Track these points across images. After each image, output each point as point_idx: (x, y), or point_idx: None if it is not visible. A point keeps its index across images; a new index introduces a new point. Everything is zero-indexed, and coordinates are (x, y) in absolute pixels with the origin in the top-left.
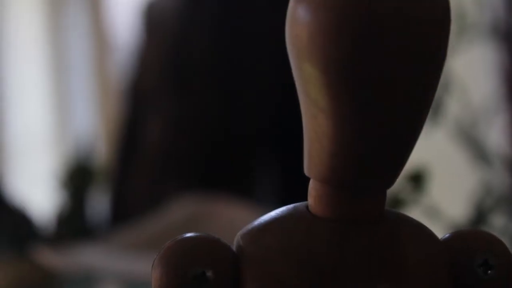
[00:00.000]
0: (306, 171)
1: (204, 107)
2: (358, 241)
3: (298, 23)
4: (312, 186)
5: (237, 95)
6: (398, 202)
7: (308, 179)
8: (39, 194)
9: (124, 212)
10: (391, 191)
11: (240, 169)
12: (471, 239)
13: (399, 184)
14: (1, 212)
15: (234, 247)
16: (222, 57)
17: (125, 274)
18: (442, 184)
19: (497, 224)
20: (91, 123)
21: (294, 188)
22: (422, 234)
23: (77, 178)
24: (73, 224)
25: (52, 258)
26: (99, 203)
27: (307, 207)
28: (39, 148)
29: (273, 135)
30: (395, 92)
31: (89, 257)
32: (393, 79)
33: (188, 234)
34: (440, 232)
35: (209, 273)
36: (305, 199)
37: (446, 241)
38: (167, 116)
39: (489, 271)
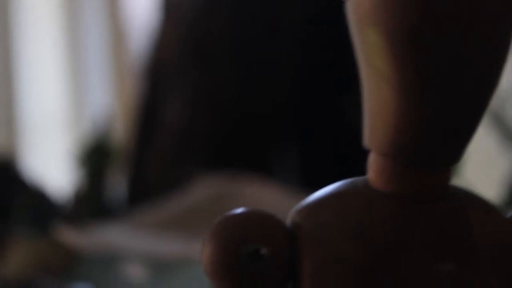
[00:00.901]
0: (367, 143)
1: (223, 86)
2: (422, 218)
3: None
4: (373, 159)
5: (257, 73)
6: None
7: (328, 159)
8: (55, 174)
9: (142, 192)
10: None
11: (259, 148)
12: None
13: None
14: (20, 191)
15: (288, 223)
16: (242, 36)
17: (148, 254)
18: (475, 166)
19: None
20: (107, 103)
21: (314, 167)
22: (491, 213)
23: (95, 157)
24: (91, 204)
25: (74, 237)
26: (116, 183)
27: (366, 181)
28: (55, 128)
29: (293, 113)
30: (463, 64)
31: (111, 236)
32: (461, 49)
33: (241, 209)
34: None
35: (264, 250)
36: (326, 177)
37: None
38: (186, 95)
39: None
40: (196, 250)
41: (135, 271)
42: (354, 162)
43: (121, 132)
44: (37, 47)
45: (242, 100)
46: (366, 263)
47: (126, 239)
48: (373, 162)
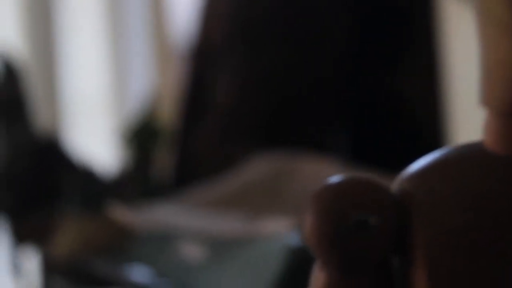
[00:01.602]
0: (483, 103)
1: (273, 63)
2: None
3: None
4: (490, 120)
5: (308, 49)
6: None
7: (380, 133)
8: (99, 154)
9: (190, 171)
10: None
11: (310, 125)
12: None
13: None
14: (68, 170)
15: (395, 191)
16: (290, 12)
17: (206, 233)
18: None
19: None
20: (150, 83)
21: (366, 142)
22: None
23: (142, 136)
24: (138, 183)
25: (127, 216)
26: (164, 162)
27: (482, 145)
28: (98, 109)
29: (344, 88)
30: None
31: (165, 215)
32: None
33: (345, 176)
34: None
35: (371, 219)
36: (378, 151)
37: None
38: (236, 74)
39: None
40: (256, 229)
41: (192, 251)
42: (405, 137)
43: (165, 112)
44: (79, 26)
45: (292, 77)
46: (483, 235)
47: (181, 218)
48: (490, 123)
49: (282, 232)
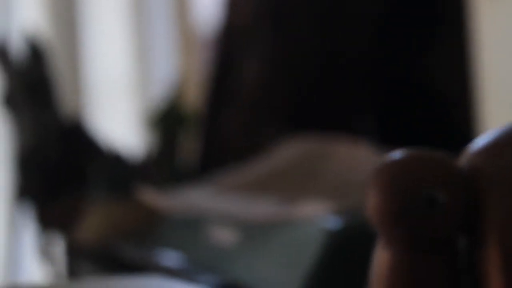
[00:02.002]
0: None
1: (303, 46)
2: None
3: None
4: None
5: (336, 33)
6: None
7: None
8: (125, 138)
9: (217, 155)
10: None
11: (339, 109)
12: None
13: None
14: (94, 154)
15: (463, 167)
16: None
17: (238, 217)
18: None
19: None
20: (174, 67)
21: (394, 126)
22: None
23: (168, 121)
24: (165, 167)
25: (157, 200)
26: (190, 147)
27: None
28: (122, 93)
29: (373, 73)
30: None
31: (195, 199)
32: None
33: (409, 151)
34: None
35: (440, 196)
36: (406, 135)
37: None
38: (264, 57)
39: None
40: (291, 212)
41: (223, 235)
42: (434, 121)
43: (190, 96)
44: (103, 11)
45: (321, 60)
46: None
47: (212, 202)
48: None
49: (319, 215)
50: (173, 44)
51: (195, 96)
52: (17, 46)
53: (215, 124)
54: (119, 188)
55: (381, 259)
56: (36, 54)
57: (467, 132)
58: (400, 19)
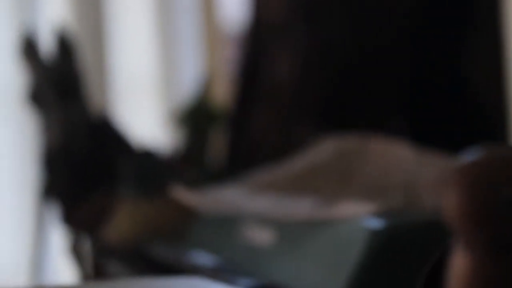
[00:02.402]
0: None
1: (335, 43)
2: None
3: None
4: None
5: (369, 28)
6: None
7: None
8: (151, 135)
9: (247, 154)
10: None
11: (372, 107)
12: None
13: None
14: (125, 152)
15: None
16: None
17: (271, 216)
18: None
19: None
20: (200, 63)
21: (427, 126)
22: None
23: (197, 118)
24: (196, 165)
25: (190, 198)
26: (219, 145)
27: None
28: (149, 89)
29: (406, 70)
30: None
31: (229, 198)
32: None
33: (489, 151)
34: None
35: None
36: (438, 136)
37: None
38: (296, 54)
39: None
40: (330, 212)
41: (260, 235)
42: (468, 121)
43: (217, 93)
44: (129, 7)
45: (354, 57)
46: None
47: (247, 201)
48: None
49: (360, 215)
50: (199, 40)
51: (222, 94)
52: (45, 41)
53: (245, 122)
54: (149, 186)
55: (460, 262)
56: (65, 49)
57: (501, 133)
58: (435, 18)
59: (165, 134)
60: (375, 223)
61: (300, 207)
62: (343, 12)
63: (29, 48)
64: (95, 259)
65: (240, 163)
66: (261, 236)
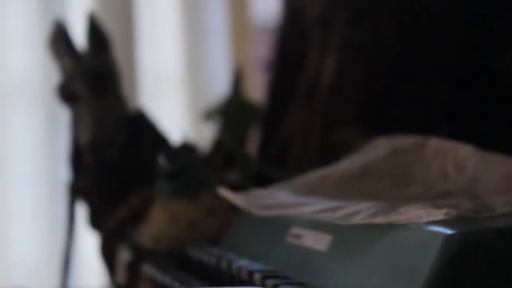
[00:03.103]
0: None
1: (378, 41)
2: None
3: None
4: None
5: (415, 26)
6: None
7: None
8: (180, 132)
9: (283, 153)
10: None
11: (416, 108)
12: None
13: None
14: (163, 149)
15: None
16: None
17: (325, 219)
18: None
19: None
20: (229, 59)
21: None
22: None
23: (234, 113)
24: (242, 163)
25: (237, 200)
26: (255, 144)
27: None
28: (177, 85)
29: (452, 71)
30: None
31: (278, 199)
32: None
33: None
34: None
35: None
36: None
37: None
38: (336, 51)
39: None
40: (391, 217)
41: (314, 239)
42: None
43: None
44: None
45: (397, 56)
46: None
47: (299, 203)
48: None
49: (429, 219)
50: (228, 33)
51: (252, 88)
52: (77, 32)
53: (281, 120)
54: (190, 184)
55: None
56: (99, 40)
57: None
58: (483, 19)
59: (195, 130)
60: (448, 229)
61: (359, 211)
62: (388, 8)
63: (60, 40)
64: (130, 261)
65: (275, 162)
66: (315, 240)
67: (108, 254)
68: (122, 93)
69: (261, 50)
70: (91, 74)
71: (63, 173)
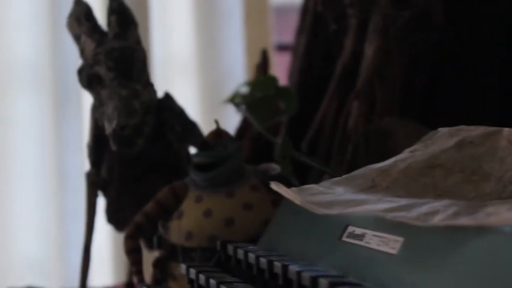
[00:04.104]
0: None
1: (427, 22)
2: None
3: None
4: None
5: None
6: None
7: None
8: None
9: (317, 142)
10: None
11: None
12: None
13: None
14: (194, 137)
15: None
16: None
17: (392, 220)
18: None
19: None
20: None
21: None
22: None
23: (266, 102)
24: (284, 155)
25: (292, 196)
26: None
27: None
28: (188, 72)
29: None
30: None
31: (334, 197)
32: None
33: None
34: None
35: None
36: None
37: None
38: (379, 32)
39: None
40: (477, 219)
41: (374, 240)
42: None
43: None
44: None
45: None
46: None
47: (356, 200)
48: None
49: None
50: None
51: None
52: (101, 13)
53: (310, 108)
54: (226, 177)
55: None
56: (124, 20)
57: None
58: None
59: (208, 116)
60: None
61: (436, 211)
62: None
63: (82, 19)
64: (158, 259)
65: (307, 151)
66: (383, 243)
67: (133, 251)
68: (150, 77)
69: (282, 33)
70: (118, 57)
71: (70, 162)
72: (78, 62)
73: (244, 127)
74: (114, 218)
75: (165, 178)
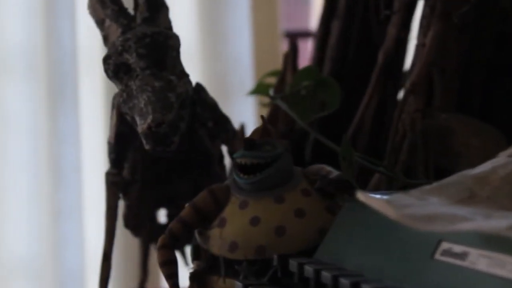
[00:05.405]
0: None
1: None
2: None
3: None
4: None
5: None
6: None
7: None
8: None
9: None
10: None
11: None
12: None
13: None
14: (232, 134)
15: None
16: None
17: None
18: None
19: None
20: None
21: None
22: None
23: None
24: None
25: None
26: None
27: None
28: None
29: None
30: None
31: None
32: None
33: None
34: None
35: None
36: None
37: None
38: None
39: None
40: None
41: (483, 261)
42: None
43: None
44: None
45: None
46: None
47: (458, 215)
48: None
49: None
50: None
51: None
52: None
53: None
54: (275, 181)
55: None
56: (154, 3)
57: None
58: None
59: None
60: None
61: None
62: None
63: (106, 2)
64: (196, 272)
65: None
66: (496, 264)
67: (169, 262)
68: (183, 68)
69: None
70: (150, 43)
71: (65, 157)
72: (75, 50)
73: (271, 121)
74: (132, 222)
75: (193, 180)
